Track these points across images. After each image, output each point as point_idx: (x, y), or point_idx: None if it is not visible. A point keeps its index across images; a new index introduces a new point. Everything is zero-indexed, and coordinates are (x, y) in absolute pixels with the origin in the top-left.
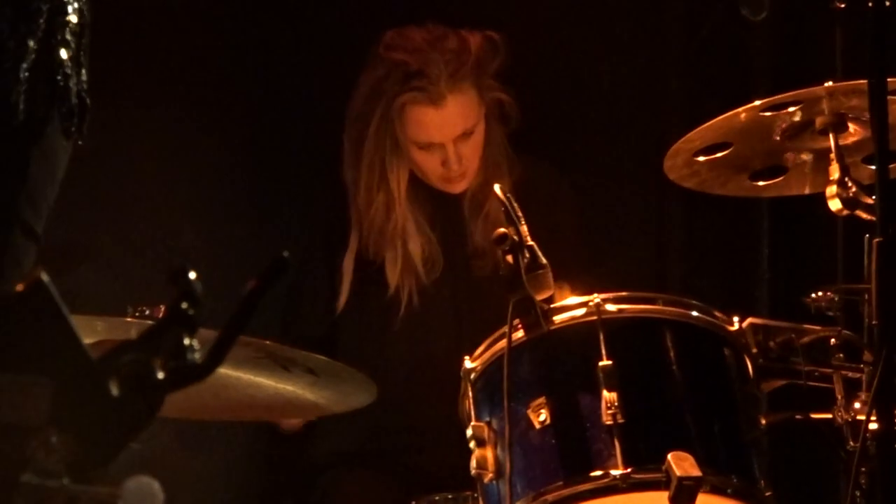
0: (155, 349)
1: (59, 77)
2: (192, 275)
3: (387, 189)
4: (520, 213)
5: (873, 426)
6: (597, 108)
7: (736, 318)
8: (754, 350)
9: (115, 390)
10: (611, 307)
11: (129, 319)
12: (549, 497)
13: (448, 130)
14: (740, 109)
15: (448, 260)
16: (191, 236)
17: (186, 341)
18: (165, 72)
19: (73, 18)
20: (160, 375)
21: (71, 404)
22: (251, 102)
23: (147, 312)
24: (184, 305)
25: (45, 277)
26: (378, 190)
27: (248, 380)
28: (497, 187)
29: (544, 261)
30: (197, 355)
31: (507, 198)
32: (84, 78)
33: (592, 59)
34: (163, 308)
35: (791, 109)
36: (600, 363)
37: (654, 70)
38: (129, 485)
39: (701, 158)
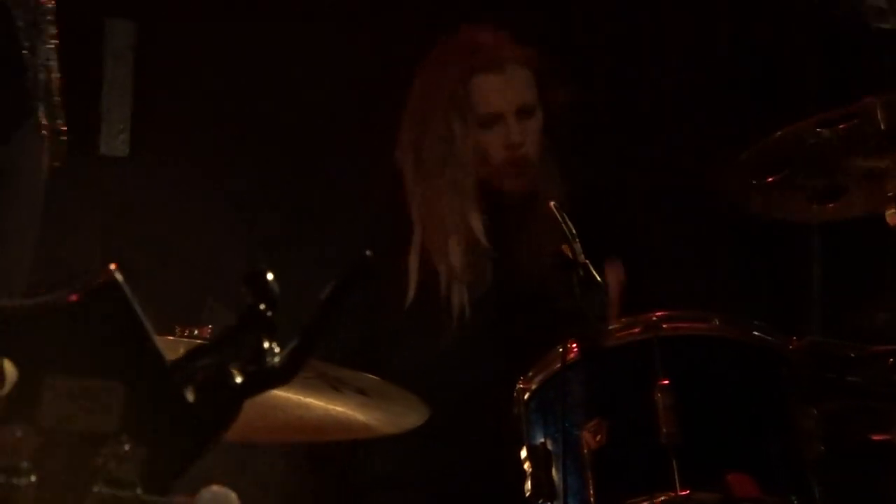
0: (232, 353)
1: (41, 75)
2: (270, 276)
3: (449, 170)
4: (574, 231)
5: None
6: (647, 124)
7: (793, 338)
8: (812, 370)
9: (190, 396)
10: (668, 325)
11: (177, 339)
12: None
13: (510, 96)
14: (793, 128)
15: (497, 275)
16: (240, 250)
17: (266, 344)
18: (203, 81)
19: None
20: (238, 380)
21: (145, 411)
22: (294, 102)
23: (196, 332)
24: (261, 307)
25: (118, 277)
26: (440, 173)
27: (297, 400)
28: (552, 204)
29: (599, 279)
30: (276, 359)
31: (562, 215)
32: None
33: (642, 78)
34: (210, 328)
35: (845, 126)
36: (657, 382)
37: (706, 90)
38: (204, 495)
39: (754, 180)
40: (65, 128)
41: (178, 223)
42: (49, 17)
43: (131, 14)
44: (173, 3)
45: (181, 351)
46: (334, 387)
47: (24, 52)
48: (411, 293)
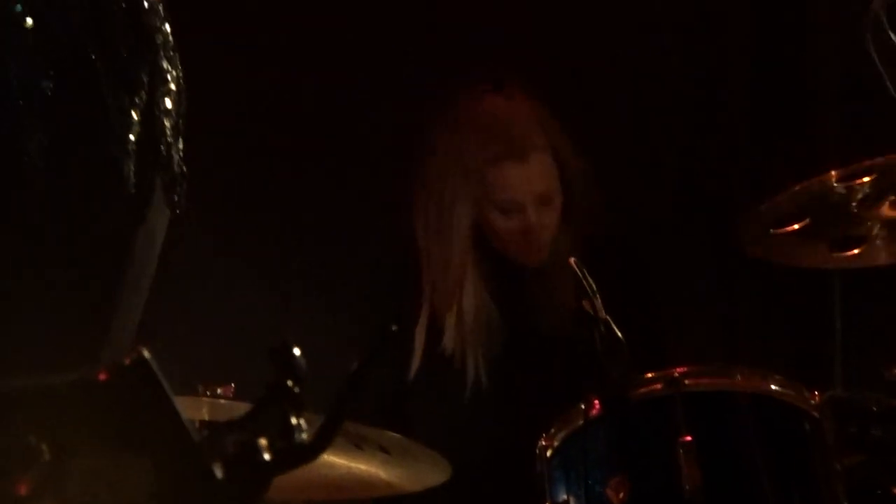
0: (260, 429)
1: (162, 147)
2: (296, 351)
3: (451, 238)
4: (595, 287)
5: None
6: (668, 176)
7: (815, 392)
8: (834, 423)
9: (219, 473)
10: (689, 381)
11: (199, 398)
12: None
13: (531, 186)
14: (814, 180)
15: (512, 331)
16: (262, 313)
17: (293, 420)
18: (227, 144)
19: (173, 87)
20: (267, 457)
21: (173, 487)
22: (316, 173)
23: (218, 391)
24: (289, 383)
25: (147, 354)
26: (444, 242)
27: (320, 458)
28: (573, 260)
29: (620, 335)
30: (304, 435)
31: (582, 271)
32: (181, 146)
33: (663, 128)
34: (233, 386)
35: (866, 179)
36: (680, 439)
37: (726, 140)
38: None
39: (774, 230)
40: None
41: (203, 283)
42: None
43: None
44: (202, 73)
45: (204, 411)
46: (357, 445)
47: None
48: (413, 368)
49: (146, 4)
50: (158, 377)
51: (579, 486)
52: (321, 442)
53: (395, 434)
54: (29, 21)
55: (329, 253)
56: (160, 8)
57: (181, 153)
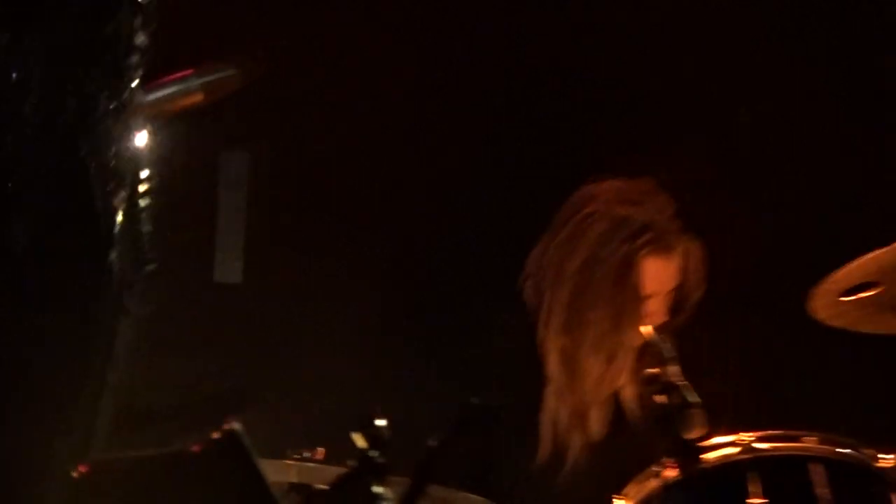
0: (345, 498)
1: (140, 244)
2: (381, 422)
3: (617, 356)
4: (673, 353)
5: None
6: (739, 246)
7: (889, 456)
8: None
9: None
10: (762, 445)
11: (288, 462)
12: None
13: (673, 279)
14: (883, 251)
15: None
16: (354, 381)
17: (376, 489)
18: (316, 208)
19: (147, 185)
20: None
21: None
22: (413, 230)
23: (307, 455)
24: (373, 454)
25: (237, 427)
26: (608, 361)
27: None
28: (648, 328)
29: (697, 399)
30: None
31: (660, 337)
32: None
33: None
34: (321, 450)
35: None
36: (753, 502)
37: (794, 209)
38: None
39: (847, 298)
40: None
41: (291, 347)
42: None
43: (246, 146)
44: (286, 134)
45: (292, 474)
46: None
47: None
48: (544, 451)
49: (131, 107)
50: (248, 450)
51: None
52: None
53: (476, 497)
54: (34, 117)
55: (439, 319)
56: (141, 117)
57: (154, 251)
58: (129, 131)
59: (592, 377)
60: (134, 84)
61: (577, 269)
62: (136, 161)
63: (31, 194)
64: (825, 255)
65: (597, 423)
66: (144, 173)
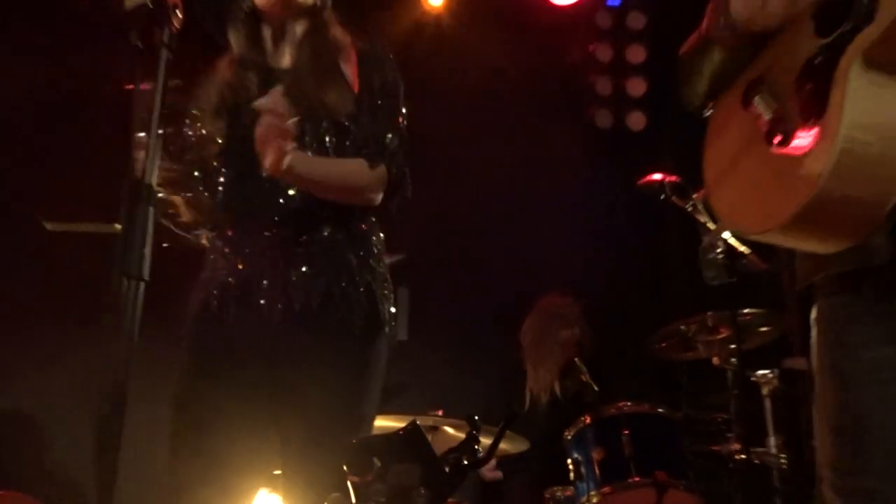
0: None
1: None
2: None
3: (551, 369)
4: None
5: None
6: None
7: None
8: None
9: (448, 470)
10: (628, 409)
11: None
12: None
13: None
14: None
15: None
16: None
17: (475, 446)
18: (463, 269)
19: None
20: (465, 462)
21: (431, 477)
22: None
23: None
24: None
25: (419, 423)
26: (548, 371)
27: None
28: (576, 360)
29: (595, 388)
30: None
31: (579, 360)
32: None
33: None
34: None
35: None
36: (623, 431)
37: None
38: None
39: None
40: None
41: (452, 400)
42: None
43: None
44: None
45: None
46: None
47: None
48: (526, 403)
49: None
50: (423, 436)
51: (580, 453)
52: (485, 459)
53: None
54: None
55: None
56: None
57: None
58: None
59: (544, 376)
60: None
61: (536, 338)
62: None
63: None
64: None
65: (546, 396)
66: None
